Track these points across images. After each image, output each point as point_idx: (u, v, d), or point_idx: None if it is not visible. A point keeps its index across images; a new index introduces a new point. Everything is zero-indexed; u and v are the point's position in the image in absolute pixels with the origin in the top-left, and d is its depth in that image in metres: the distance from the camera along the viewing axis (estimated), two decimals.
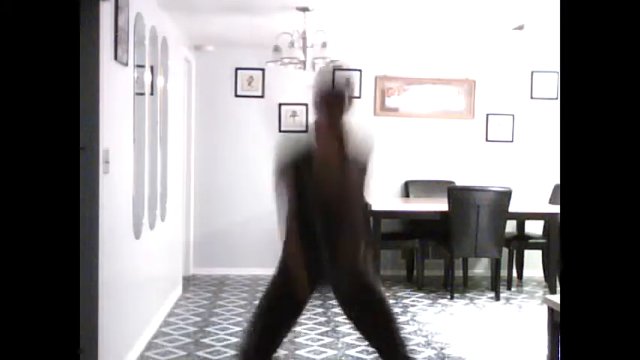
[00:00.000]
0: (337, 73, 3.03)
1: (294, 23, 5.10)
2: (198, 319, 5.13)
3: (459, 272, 6.40)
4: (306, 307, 3.09)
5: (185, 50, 6.21)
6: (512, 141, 7.08)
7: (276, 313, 2.99)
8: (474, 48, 6.73)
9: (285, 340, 3.15)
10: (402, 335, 3.01)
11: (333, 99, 2.92)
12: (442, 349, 4.47)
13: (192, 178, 6.77)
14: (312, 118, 3.06)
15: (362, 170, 2.97)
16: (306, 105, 6.81)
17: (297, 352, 4.32)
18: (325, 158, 2.91)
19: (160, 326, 4.87)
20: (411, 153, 7.00)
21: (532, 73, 7.07)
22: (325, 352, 4.37)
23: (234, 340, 4.58)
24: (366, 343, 3.08)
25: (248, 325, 3.06)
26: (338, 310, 5.13)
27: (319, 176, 2.89)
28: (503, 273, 6.42)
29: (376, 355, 3.12)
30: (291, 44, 5.14)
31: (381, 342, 2.95)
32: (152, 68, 4.59)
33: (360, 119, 3.11)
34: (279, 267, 3.03)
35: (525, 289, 6.48)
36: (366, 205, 3.09)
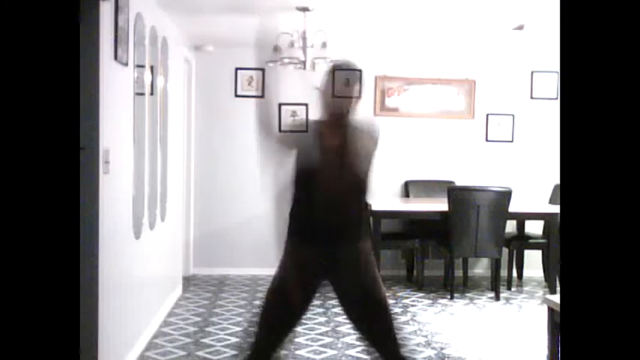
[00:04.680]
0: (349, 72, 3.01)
1: (294, 23, 5.09)
2: (198, 319, 5.13)
3: (459, 272, 6.41)
4: (313, 297, 3.03)
5: (185, 50, 6.21)
6: (512, 141, 7.08)
7: (281, 303, 2.94)
8: (474, 48, 6.73)
9: (292, 333, 3.10)
10: (400, 334, 2.99)
11: (347, 79, 2.92)
12: (442, 349, 4.47)
13: (192, 178, 6.77)
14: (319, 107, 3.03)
15: (369, 150, 2.97)
16: (306, 105, 6.80)
17: (297, 352, 4.32)
18: (331, 137, 2.90)
19: (160, 326, 4.87)
20: (411, 153, 7.00)
21: (532, 73, 7.07)
22: (325, 352, 4.37)
23: (234, 340, 4.59)
24: (362, 337, 3.04)
25: (256, 318, 3.01)
26: (338, 310, 5.14)
27: (324, 154, 2.87)
28: (503, 273, 6.42)
29: (376, 355, 3.10)
30: (291, 44, 5.13)
31: (377, 338, 2.93)
32: (152, 68, 4.59)
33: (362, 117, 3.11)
34: (282, 257, 2.99)
35: (525, 289, 6.48)
36: (367, 205, 3.07)
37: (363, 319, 2.95)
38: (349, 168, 2.90)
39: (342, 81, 2.93)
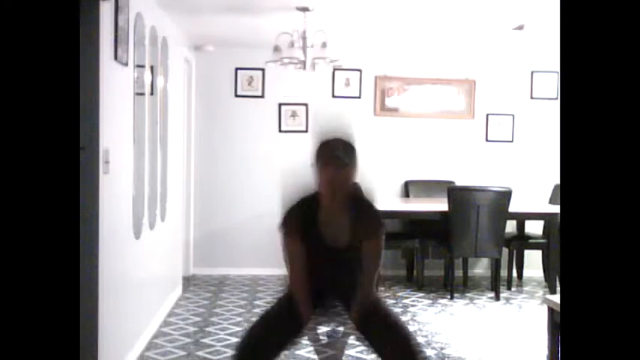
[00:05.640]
0: (340, 138, 2.88)
1: (294, 23, 5.09)
2: (198, 319, 5.13)
3: (459, 272, 6.40)
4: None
5: (185, 50, 6.21)
6: (512, 141, 7.08)
7: (273, 330, 3.03)
8: (474, 48, 6.73)
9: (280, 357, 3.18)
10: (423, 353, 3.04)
11: (337, 162, 2.79)
12: (442, 349, 4.47)
13: (192, 178, 6.77)
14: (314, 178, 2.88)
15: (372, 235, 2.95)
16: (306, 105, 6.81)
17: (297, 352, 4.32)
18: (331, 215, 2.91)
19: (160, 326, 4.87)
20: (411, 153, 6.99)
21: (532, 73, 7.08)
22: (325, 351, 4.36)
23: (234, 340, 4.58)
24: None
25: (244, 335, 3.11)
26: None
27: (327, 231, 2.91)
28: (504, 273, 6.42)
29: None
30: (291, 44, 5.13)
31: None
32: (152, 68, 4.59)
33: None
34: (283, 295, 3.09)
35: (525, 289, 6.48)
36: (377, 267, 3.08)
37: (390, 346, 2.98)
38: (353, 249, 2.93)
39: (333, 152, 2.81)
